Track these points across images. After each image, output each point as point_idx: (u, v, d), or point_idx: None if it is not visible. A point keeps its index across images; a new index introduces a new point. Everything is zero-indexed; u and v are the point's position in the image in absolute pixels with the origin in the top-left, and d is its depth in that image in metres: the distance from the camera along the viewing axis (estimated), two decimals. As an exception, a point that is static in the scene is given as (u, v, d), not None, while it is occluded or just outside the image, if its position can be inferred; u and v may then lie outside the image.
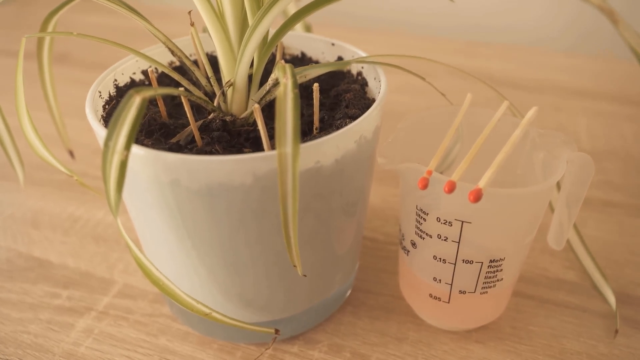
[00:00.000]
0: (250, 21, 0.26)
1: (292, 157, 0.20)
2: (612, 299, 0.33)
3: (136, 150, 0.23)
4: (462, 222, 0.25)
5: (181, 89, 0.25)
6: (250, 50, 0.26)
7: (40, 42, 0.32)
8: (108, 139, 0.21)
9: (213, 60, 0.32)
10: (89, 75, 0.62)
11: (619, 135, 0.50)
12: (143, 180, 0.24)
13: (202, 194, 0.23)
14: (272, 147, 0.25)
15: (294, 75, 0.22)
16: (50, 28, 0.31)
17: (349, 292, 0.34)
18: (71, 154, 0.38)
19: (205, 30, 0.33)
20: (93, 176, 0.45)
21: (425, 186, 0.24)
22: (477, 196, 0.23)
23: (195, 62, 0.34)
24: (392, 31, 0.73)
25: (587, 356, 0.30)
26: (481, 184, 0.23)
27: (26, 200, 0.42)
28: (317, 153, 0.23)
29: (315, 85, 0.27)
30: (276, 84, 0.26)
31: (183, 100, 0.25)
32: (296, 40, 0.34)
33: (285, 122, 0.21)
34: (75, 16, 0.31)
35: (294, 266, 0.23)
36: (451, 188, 0.23)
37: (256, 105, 0.24)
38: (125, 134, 0.21)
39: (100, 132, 0.24)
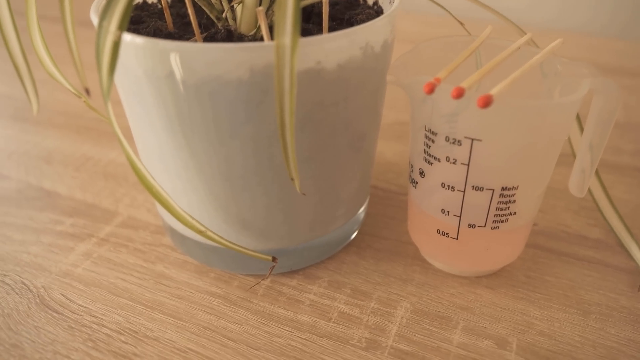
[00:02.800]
0: None
1: (290, 49, 0.19)
2: (638, 255, 0.30)
3: (132, 38, 0.22)
4: (472, 139, 0.24)
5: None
6: (260, -40, 0.25)
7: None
8: (102, 18, 0.20)
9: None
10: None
11: (657, 108, 0.47)
12: (140, 77, 0.23)
13: (197, 89, 0.22)
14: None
15: (298, -30, 0.21)
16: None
17: (354, 234, 0.32)
18: (87, 91, 0.38)
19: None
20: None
21: (431, 90, 0.22)
22: (487, 101, 0.21)
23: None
24: (430, 15, 0.71)
25: (606, 307, 0.27)
26: (493, 91, 0.22)
27: (43, 140, 0.43)
28: (318, 51, 0.22)
29: (325, -2, 0.26)
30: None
31: (187, 3, 0.25)
32: (313, -27, 0.33)
33: (285, 12, 0.20)
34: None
35: (292, 179, 0.22)
36: (459, 93, 0.22)
37: (259, 8, 0.23)
38: (119, 13, 0.20)
39: (96, 19, 0.23)
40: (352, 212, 0.31)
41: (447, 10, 0.29)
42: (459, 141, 0.24)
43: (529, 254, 0.31)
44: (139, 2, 0.31)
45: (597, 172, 0.34)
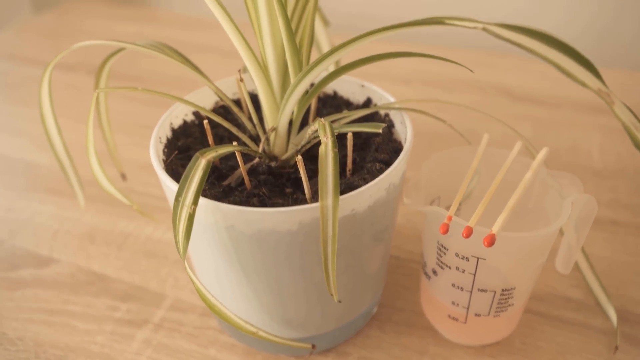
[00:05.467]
0: (292, 73, 0.30)
1: (332, 208, 0.24)
2: (613, 316, 0.36)
3: (200, 201, 0.26)
4: (478, 258, 0.29)
5: (235, 143, 0.29)
6: (292, 104, 0.30)
7: (96, 81, 0.35)
8: (178, 194, 0.25)
9: (254, 99, 0.36)
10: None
11: (631, 153, 0.52)
12: (204, 225, 0.28)
13: (254, 237, 0.27)
14: (311, 191, 0.28)
15: (333, 135, 0.26)
16: (104, 73, 0.35)
17: (375, 308, 0.38)
18: (123, 176, 0.42)
19: (245, 70, 0.37)
20: (140, 192, 0.49)
21: (446, 232, 0.27)
22: (491, 241, 0.26)
23: (238, 103, 0.37)
24: (414, 42, 0.75)
25: (588, 371, 0.33)
26: (494, 229, 0.27)
27: (81, 216, 0.47)
28: (353, 203, 0.27)
29: (349, 135, 0.30)
30: (315, 136, 0.30)
31: (237, 153, 0.29)
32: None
33: (327, 178, 0.25)
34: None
35: (331, 295, 0.27)
36: (468, 234, 0.27)
37: (299, 157, 0.28)
38: (193, 191, 0.25)
39: (171, 186, 0.27)
40: (376, 294, 0.36)
41: (450, 125, 0.34)
42: (466, 257, 0.29)
43: (524, 319, 0.37)
44: (180, 124, 0.35)
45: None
